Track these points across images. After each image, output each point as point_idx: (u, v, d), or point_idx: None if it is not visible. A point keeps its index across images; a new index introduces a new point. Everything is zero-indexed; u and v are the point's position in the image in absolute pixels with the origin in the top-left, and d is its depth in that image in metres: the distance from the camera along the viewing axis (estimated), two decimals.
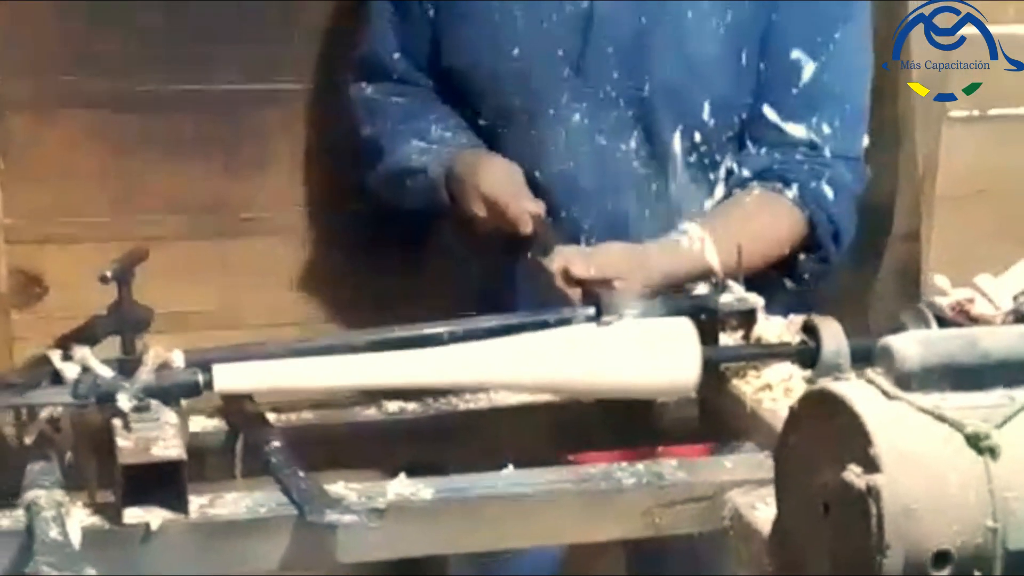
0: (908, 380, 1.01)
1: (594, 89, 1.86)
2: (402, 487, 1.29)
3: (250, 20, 2.09)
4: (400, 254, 2.15)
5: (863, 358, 1.45)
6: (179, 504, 1.23)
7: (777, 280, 1.85)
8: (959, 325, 1.45)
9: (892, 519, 0.96)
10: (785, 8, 1.86)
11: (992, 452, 0.98)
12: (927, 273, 2.25)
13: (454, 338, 1.42)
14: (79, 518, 1.23)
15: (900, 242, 2.21)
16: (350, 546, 1.26)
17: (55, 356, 1.35)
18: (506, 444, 1.48)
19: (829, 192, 1.88)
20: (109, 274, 1.28)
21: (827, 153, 1.88)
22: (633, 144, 1.87)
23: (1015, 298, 1.54)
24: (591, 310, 1.46)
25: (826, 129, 1.87)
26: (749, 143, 1.89)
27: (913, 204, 2.21)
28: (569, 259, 1.68)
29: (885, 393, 1.02)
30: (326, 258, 2.20)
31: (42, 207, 2.07)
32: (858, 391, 1.02)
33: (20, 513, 1.22)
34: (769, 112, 1.86)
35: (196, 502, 1.25)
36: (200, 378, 1.33)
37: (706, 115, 1.85)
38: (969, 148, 2.28)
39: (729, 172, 1.89)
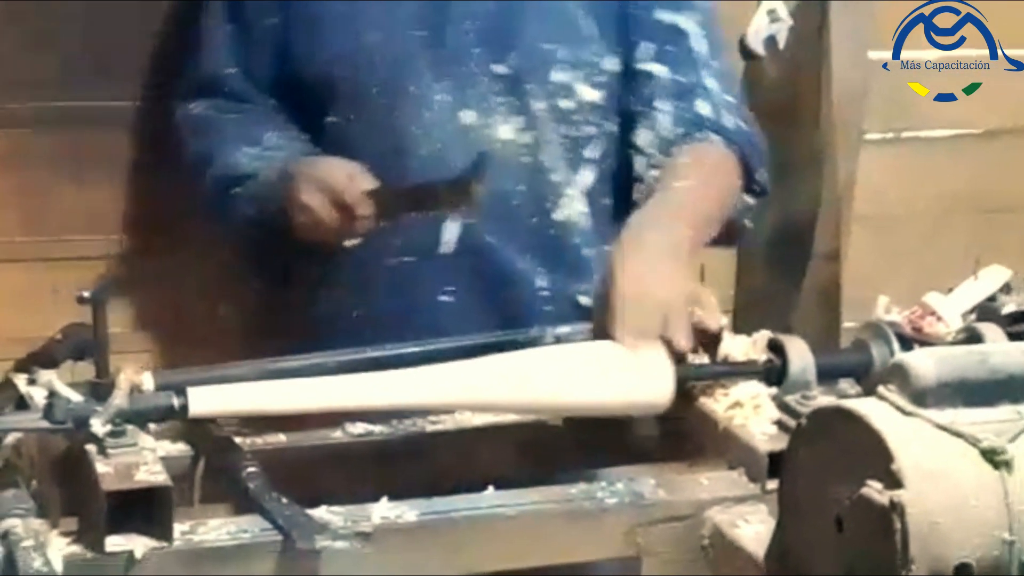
0: (924, 397, 1.03)
1: (457, 65, 1.83)
2: (386, 510, 1.27)
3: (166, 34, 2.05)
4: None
5: (827, 375, 1.49)
6: (162, 531, 1.20)
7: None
8: (918, 342, 1.48)
9: (917, 534, 0.98)
10: None
11: (1007, 466, 1.00)
12: (846, 292, 2.30)
13: (424, 358, 1.41)
14: (59, 547, 1.19)
15: (821, 262, 2.26)
16: (334, 570, 1.24)
17: (20, 380, 1.31)
18: (474, 464, 1.47)
19: (741, 124, 1.86)
20: (87, 295, 1.24)
21: (720, 95, 1.86)
22: (499, 118, 1.83)
23: (963, 316, 1.58)
24: (561, 329, 1.47)
25: (713, 76, 1.86)
26: (643, 107, 1.85)
27: (834, 225, 2.26)
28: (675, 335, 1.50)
29: (900, 410, 1.03)
30: (244, 279, 2.15)
31: None
32: (874, 408, 1.04)
33: None
34: (657, 69, 1.84)
35: (177, 529, 1.22)
36: (175, 402, 1.30)
37: (574, 83, 1.84)
38: (885, 169, 2.35)
39: (638, 145, 1.87)
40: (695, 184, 1.71)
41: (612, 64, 1.85)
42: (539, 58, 1.84)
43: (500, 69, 1.83)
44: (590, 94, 1.85)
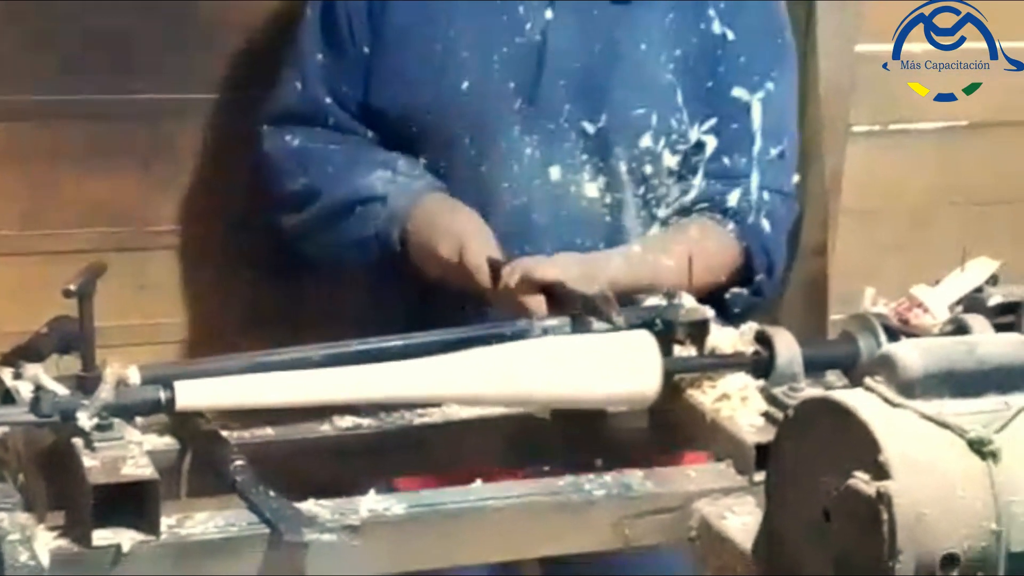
0: (911, 388, 1.03)
1: (547, 121, 1.84)
2: (374, 503, 1.27)
3: (165, 29, 2.04)
4: (315, 270, 2.11)
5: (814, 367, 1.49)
6: (149, 525, 1.20)
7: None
8: (905, 333, 1.48)
9: (904, 524, 0.98)
10: (727, 47, 1.88)
11: (994, 456, 1.01)
12: (834, 284, 2.30)
13: (412, 351, 1.41)
14: (45, 541, 1.19)
15: (809, 256, 2.26)
16: (322, 564, 1.24)
17: (6, 374, 1.31)
18: (462, 457, 1.47)
19: (766, 226, 1.90)
20: (73, 288, 1.23)
21: (764, 187, 1.90)
22: (586, 176, 1.86)
23: (950, 308, 1.58)
24: (548, 322, 1.47)
25: (764, 164, 1.89)
26: (689, 173, 1.89)
27: (821, 218, 2.27)
28: (529, 267, 1.67)
29: (887, 401, 1.03)
30: (237, 273, 2.16)
31: None
32: (861, 399, 1.04)
33: None
34: (710, 144, 1.88)
35: (164, 522, 1.21)
36: (162, 395, 1.30)
37: (657, 146, 1.86)
38: (872, 162, 2.35)
39: (669, 200, 1.90)
40: (678, 248, 1.77)
41: (694, 133, 1.88)
42: (629, 122, 1.86)
43: (589, 128, 1.85)
44: (671, 160, 1.88)
